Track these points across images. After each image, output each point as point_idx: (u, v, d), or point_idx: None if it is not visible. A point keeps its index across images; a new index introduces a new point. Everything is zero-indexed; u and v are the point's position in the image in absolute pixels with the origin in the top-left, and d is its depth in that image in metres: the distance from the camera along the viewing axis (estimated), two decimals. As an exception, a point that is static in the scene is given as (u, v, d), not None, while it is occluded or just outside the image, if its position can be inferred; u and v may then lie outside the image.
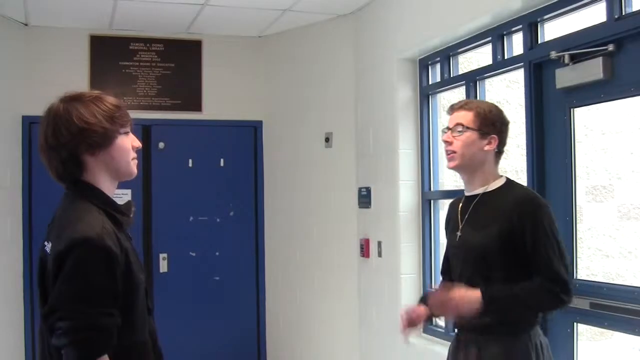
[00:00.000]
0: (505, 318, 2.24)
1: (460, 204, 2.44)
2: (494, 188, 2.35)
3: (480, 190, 2.36)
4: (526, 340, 2.23)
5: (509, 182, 2.38)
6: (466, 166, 2.36)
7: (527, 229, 2.20)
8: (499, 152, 2.39)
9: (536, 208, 2.23)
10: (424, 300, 2.48)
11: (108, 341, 1.65)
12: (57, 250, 1.66)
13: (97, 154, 1.78)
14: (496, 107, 2.41)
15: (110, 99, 1.82)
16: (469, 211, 2.37)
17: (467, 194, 2.42)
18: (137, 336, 1.78)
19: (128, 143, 1.84)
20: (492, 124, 2.33)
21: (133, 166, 1.87)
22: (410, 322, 2.43)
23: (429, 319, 2.56)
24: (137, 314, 1.78)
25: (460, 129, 2.33)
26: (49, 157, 1.78)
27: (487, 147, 2.33)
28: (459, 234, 2.39)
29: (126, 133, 1.84)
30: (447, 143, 2.36)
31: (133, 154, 1.87)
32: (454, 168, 2.39)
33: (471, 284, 2.28)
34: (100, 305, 1.63)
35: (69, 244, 1.63)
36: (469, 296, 2.19)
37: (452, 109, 2.42)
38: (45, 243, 1.77)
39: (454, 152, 2.34)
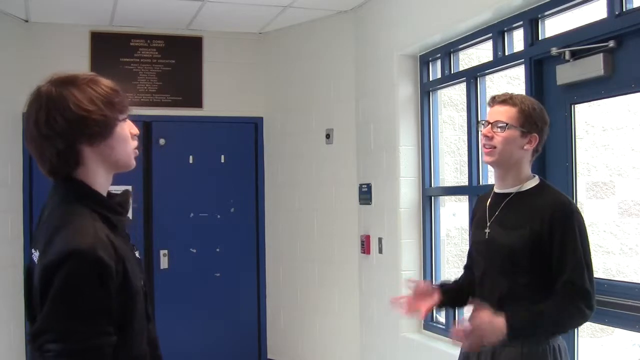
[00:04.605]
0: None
1: (489, 200, 2.38)
2: (527, 188, 2.29)
3: (512, 189, 2.30)
4: (544, 343, 2.17)
5: (542, 183, 2.32)
6: (503, 163, 2.30)
7: (557, 236, 2.15)
8: (535, 151, 2.33)
9: (568, 215, 2.17)
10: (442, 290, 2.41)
11: None
12: (44, 263, 1.48)
13: (95, 145, 1.59)
14: (539, 104, 2.33)
15: (106, 82, 1.66)
16: (500, 209, 2.31)
17: (497, 190, 2.36)
18: (134, 351, 1.64)
19: (127, 130, 1.67)
20: (534, 122, 2.26)
21: (132, 157, 1.69)
22: (415, 305, 2.34)
23: (437, 306, 2.42)
24: (135, 328, 1.63)
25: (502, 124, 2.26)
26: (42, 147, 1.56)
27: (527, 146, 2.27)
28: (487, 231, 2.33)
29: (124, 120, 1.66)
30: (487, 137, 2.29)
31: (134, 143, 1.70)
32: (491, 163, 2.33)
33: (495, 285, 2.25)
34: (94, 323, 1.48)
35: (59, 257, 1.46)
36: (495, 324, 2.08)
37: (494, 101, 2.34)
38: (33, 251, 1.59)
39: (494, 147, 2.27)
